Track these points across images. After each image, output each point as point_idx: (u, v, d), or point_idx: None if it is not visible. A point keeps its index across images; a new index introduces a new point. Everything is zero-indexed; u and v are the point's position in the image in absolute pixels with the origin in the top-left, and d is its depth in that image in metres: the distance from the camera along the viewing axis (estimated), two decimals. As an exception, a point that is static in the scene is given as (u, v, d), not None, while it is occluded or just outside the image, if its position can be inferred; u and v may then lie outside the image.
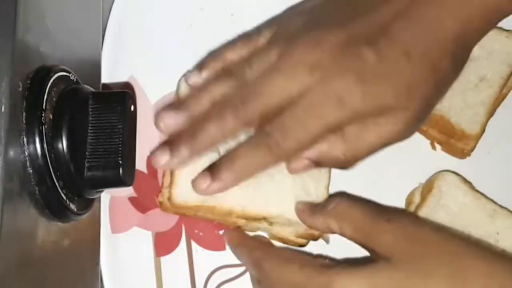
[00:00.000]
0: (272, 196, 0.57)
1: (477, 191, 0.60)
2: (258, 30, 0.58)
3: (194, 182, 0.55)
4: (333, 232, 0.56)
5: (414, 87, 0.52)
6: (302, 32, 0.54)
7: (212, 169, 0.55)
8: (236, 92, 0.54)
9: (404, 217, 0.57)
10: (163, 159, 0.54)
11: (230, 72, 0.55)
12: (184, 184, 0.56)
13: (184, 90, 0.58)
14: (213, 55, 0.58)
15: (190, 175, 0.56)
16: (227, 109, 0.54)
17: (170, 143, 0.55)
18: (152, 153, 0.55)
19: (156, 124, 0.55)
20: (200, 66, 0.58)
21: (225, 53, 0.58)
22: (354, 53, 0.52)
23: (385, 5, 0.53)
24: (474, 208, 0.59)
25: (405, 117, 0.53)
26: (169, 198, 0.57)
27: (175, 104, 0.56)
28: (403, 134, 0.54)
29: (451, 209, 0.58)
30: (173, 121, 0.55)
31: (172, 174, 0.57)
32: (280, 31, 0.56)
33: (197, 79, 0.57)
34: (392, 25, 0.52)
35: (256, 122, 0.53)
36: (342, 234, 0.55)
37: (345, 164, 0.55)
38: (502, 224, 0.58)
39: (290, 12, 0.59)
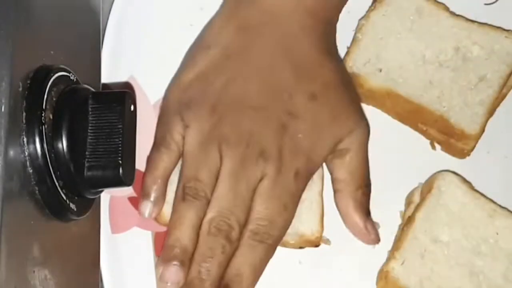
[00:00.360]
0: None
1: (477, 191, 0.60)
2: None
3: None
4: None
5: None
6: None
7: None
8: (210, 218, 0.55)
9: None
10: None
11: (188, 196, 0.56)
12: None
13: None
14: (148, 179, 0.58)
15: None
16: (215, 242, 0.54)
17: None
18: None
19: (164, 284, 0.55)
20: (145, 195, 0.57)
21: (157, 171, 0.58)
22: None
23: None
24: (474, 208, 0.59)
25: None
26: (162, 212, 0.57)
27: (169, 255, 0.55)
28: None
29: (450, 209, 0.58)
30: (180, 278, 0.55)
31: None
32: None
33: (151, 209, 0.57)
34: None
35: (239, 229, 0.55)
36: None
37: None
38: (501, 224, 0.58)
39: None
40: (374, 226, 0.59)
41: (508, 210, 0.59)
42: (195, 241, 0.55)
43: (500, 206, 0.59)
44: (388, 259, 0.58)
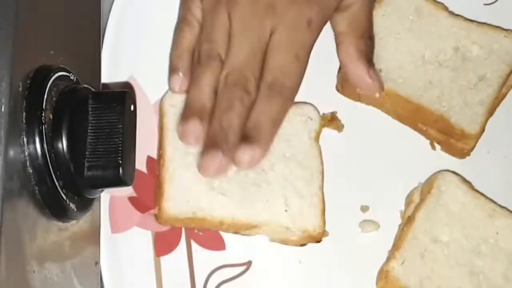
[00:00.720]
0: (261, 204, 0.57)
1: (477, 190, 0.60)
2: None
3: (237, 161, 0.55)
4: None
5: None
6: None
7: (246, 140, 0.55)
8: (226, 73, 0.56)
9: None
10: (219, 163, 0.55)
11: (203, 58, 0.57)
12: (174, 198, 0.57)
13: (170, 110, 0.58)
14: (174, 55, 0.59)
15: (179, 189, 0.57)
16: (233, 94, 0.55)
17: (210, 147, 0.55)
18: (204, 163, 0.55)
19: (186, 140, 0.56)
20: (173, 70, 0.59)
21: (181, 46, 0.59)
22: None
23: None
24: (474, 207, 0.59)
25: None
26: (161, 212, 0.57)
27: (187, 113, 0.56)
28: None
29: (450, 209, 0.58)
30: (200, 132, 0.55)
31: (161, 188, 0.57)
32: None
33: (181, 82, 0.58)
34: None
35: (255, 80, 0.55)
36: None
37: None
38: (501, 224, 0.58)
39: None
40: (377, 73, 0.59)
41: (508, 210, 0.59)
42: (213, 99, 0.56)
43: (500, 206, 0.60)
44: (388, 259, 0.58)
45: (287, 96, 0.56)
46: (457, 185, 0.59)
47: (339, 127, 0.62)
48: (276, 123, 0.56)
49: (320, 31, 0.58)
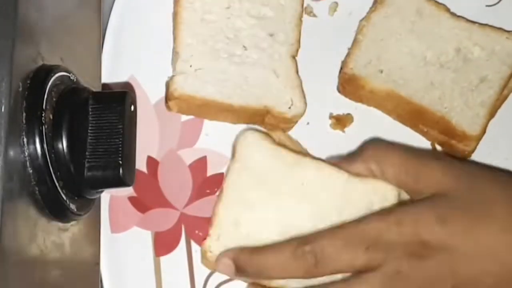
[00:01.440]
0: None
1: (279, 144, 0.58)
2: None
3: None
4: (375, 176, 0.56)
5: None
6: None
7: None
8: None
9: (446, 155, 0.59)
10: None
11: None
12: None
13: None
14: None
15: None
16: None
17: None
18: None
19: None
20: None
21: None
22: None
23: None
24: (275, 163, 0.57)
25: None
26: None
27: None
28: None
29: (254, 171, 0.57)
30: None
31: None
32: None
33: None
34: None
35: None
36: (383, 177, 0.56)
37: None
38: (306, 175, 0.57)
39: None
40: None
41: (314, 159, 0.58)
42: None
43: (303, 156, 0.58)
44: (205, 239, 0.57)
45: None
46: (258, 143, 0.57)
47: (346, 126, 0.62)
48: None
49: None
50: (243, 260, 0.54)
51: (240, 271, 0.55)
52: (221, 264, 0.55)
